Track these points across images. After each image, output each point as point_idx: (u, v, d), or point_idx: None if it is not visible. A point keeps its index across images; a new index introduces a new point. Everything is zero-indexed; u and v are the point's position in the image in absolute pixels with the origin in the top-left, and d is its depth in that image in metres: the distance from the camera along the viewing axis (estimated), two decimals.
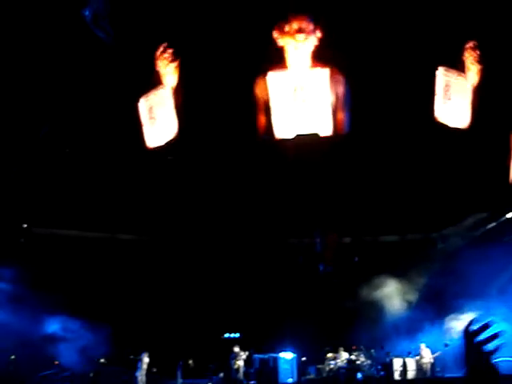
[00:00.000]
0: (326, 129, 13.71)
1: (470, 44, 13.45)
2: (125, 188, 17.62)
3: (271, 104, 13.72)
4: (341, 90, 14.02)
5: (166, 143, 13.58)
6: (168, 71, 13.39)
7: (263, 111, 13.99)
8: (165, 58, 13.36)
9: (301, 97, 13.31)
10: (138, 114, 13.54)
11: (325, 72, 13.26)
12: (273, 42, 13.71)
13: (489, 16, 12.97)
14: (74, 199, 18.04)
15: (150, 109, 13.43)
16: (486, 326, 2.89)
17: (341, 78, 13.88)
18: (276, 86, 13.46)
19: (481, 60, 13.39)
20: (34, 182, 17.09)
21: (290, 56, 13.71)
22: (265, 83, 13.76)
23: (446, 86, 13.47)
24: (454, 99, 13.53)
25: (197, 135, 15.25)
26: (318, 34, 13.66)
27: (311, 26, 13.61)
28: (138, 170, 16.63)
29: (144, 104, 13.48)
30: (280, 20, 13.54)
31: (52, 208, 18.29)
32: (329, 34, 13.57)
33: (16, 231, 18.94)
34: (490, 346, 2.87)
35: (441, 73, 13.68)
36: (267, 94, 13.78)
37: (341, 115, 14.16)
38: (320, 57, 13.76)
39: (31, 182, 17.04)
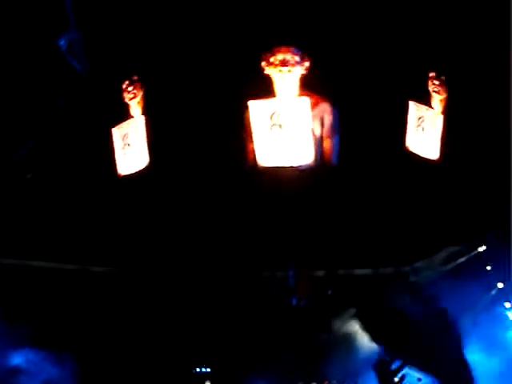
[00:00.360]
0: (306, 158, 13.65)
1: (431, 74, 13.69)
2: (96, 220, 17.45)
3: (253, 132, 13.70)
4: (328, 119, 14.05)
5: (138, 171, 13.52)
6: (134, 103, 13.44)
7: (250, 140, 13.97)
8: (129, 92, 13.42)
9: (279, 125, 13.29)
10: (112, 142, 13.51)
11: (306, 100, 13.27)
12: (260, 69, 13.77)
13: (449, 47, 13.26)
14: (44, 229, 17.81)
15: (124, 136, 13.40)
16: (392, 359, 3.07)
17: (328, 107, 13.93)
18: (256, 114, 13.45)
19: (441, 90, 13.62)
20: (1, 212, 16.84)
21: (276, 85, 13.76)
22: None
23: (419, 118, 13.64)
24: (426, 131, 13.69)
25: (169, 167, 15.21)
26: (306, 63, 13.73)
27: (297, 58, 13.66)
28: (110, 200, 16.47)
29: (117, 132, 13.45)
30: (265, 51, 13.64)
31: (21, 238, 18.02)
32: (317, 64, 13.64)
33: None
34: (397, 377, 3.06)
35: (412, 106, 13.87)
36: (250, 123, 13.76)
37: (328, 145, 14.17)
38: (308, 86, 13.81)
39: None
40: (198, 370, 21.91)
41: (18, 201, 16.69)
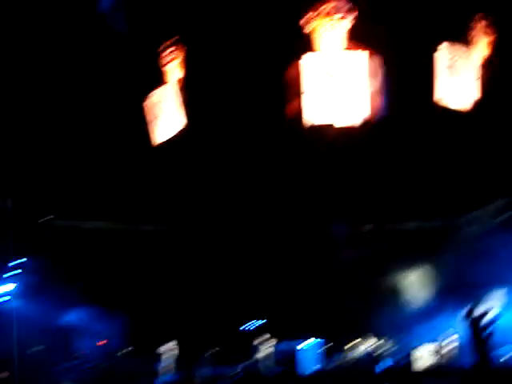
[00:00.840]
0: (360, 113, 13.35)
1: (478, 16, 13.12)
2: (143, 181, 17.63)
3: (303, 89, 13.45)
4: (378, 73, 13.70)
5: (173, 138, 13.54)
6: (172, 67, 13.33)
7: (294, 98, 13.76)
8: (168, 55, 13.31)
9: (335, 80, 12.99)
10: (145, 110, 13.55)
11: (362, 54, 12.91)
12: (298, 27, 13.47)
13: None
14: (95, 191, 18.11)
15: (156, 104, 13.41)
16: (485, 313, 2.95)
17: (378, 60, 13.56)
18: (308, 70, 13.17)
19: (490, 32, 13.04)
20: (56, 176, 17.21)
21: (322, 39, 13.40)
22: (296, 68, 13.49)
23: (451, 63, 13.11)
24: (459, 77, 13.17)
25: (208, 128, 15.16)
26: (355, 14, 13.33)
27: (348, 6, 13.31)
28: (154, 162, 16.59)
29: (150, 100, 13.47)
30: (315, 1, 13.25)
31: (73, 200, 18.40)
32: (363, 15, 13.24)
33: (39, 224, 19.05)
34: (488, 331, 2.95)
35: (445, 48, 13.26)
36: (299, 80, 13.52)
37: (378, 99, 13.86)
38: (356, 38, 13.48)
39: (53, 175, 17.17)
40: (251, 323, 22.23)
41: (70, 165, 17.04)
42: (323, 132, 14.27)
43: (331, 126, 13.89)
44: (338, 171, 17.02)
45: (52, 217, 19.21)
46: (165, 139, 13.69)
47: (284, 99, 13.99)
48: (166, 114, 13.42)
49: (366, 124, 14.22)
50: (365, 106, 13.50)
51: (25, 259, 17.24)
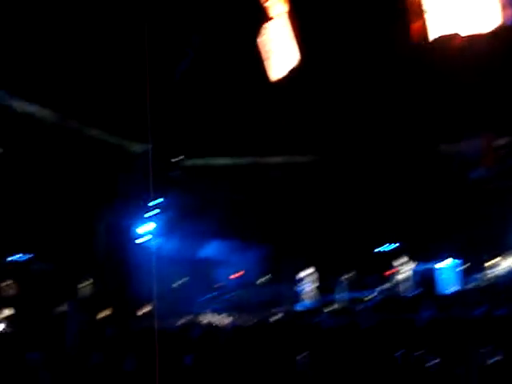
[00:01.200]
0: (490, 23, 12.61)
1: None
2: (265, 113, 17.73)
3: (425, 5, 12.89)
4: None
5: (291, 71, 13.46)
6: (273, 3, 13.14)
7: (416, 15, 13.20)
8: None
9: None
10: (259, 46, 13.51)
11: None
12: None
13: None
14: (222, 129, 18.48)
15: (269, 40, 13.33)
16: None
17: None
18: None
19: None
20: (187, 118, 17.71)
21: None
22: None
23: None
24: None
25: (324, 56, 14.92)
26: None
27: None
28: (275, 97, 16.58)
29: (263, 37, 13.40)
30: None
31: (202, 139, 18.89)
32: None
33: (173, 163, 19.80)
34: None
35: None
36: None
37: (508, 9, 13.04)
38: None
39: (185, 117, 17.68)
40: (386, 246, 22.25)
41: (195, 106, 17.46)
42: (449, 43, 13.63)
43: (457, 35, 13.22)
44: (470, 84, 16.30)
45: (183, 156, 19.87)
46: (282, 74, 13.65)
47: (406, 21, 13.48)
48: (280, 49, 13.36)
49: (496, 33, 13.43)
50: (494, 15, 12.70)
51: (163, 199, 18.02)
